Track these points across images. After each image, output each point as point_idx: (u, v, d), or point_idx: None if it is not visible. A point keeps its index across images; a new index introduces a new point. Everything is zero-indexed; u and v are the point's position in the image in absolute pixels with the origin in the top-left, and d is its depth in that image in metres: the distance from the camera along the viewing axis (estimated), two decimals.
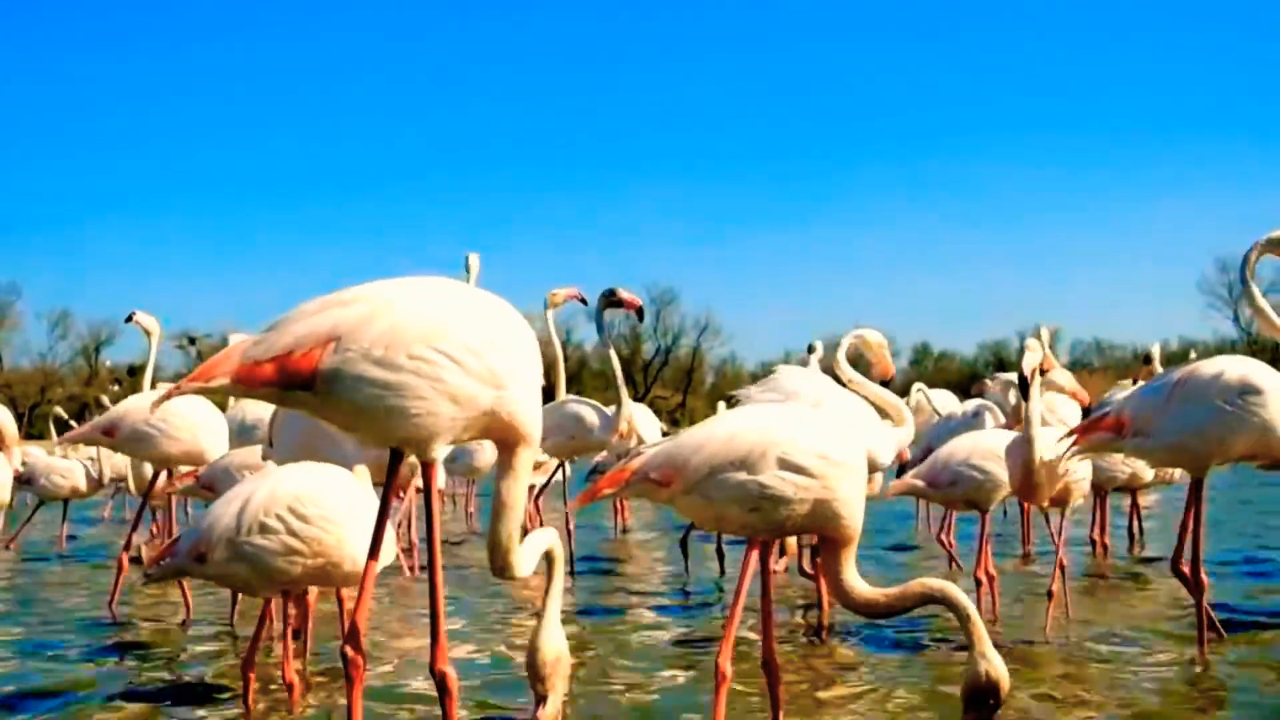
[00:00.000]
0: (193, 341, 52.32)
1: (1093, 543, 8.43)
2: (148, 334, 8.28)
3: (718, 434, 3.34)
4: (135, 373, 52.58)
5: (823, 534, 3.37)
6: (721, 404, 13.90)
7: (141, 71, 71.00)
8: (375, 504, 3.97)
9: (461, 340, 2.80)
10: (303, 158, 72.47)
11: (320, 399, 2.77)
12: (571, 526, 7.96)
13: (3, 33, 69.58)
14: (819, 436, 3.30)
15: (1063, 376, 6.13)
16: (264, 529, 3.75)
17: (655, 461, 3.35)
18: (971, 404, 8.65)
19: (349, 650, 2.93)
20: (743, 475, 3.26)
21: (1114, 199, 70.55)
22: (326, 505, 3.80)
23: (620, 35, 74.17)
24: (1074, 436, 5.12)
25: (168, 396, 2.82)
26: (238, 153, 71.40)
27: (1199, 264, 66.63)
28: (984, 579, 5.86)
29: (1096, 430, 5.00)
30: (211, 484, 5.77)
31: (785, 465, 3.25)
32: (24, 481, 9.76)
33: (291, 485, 3.84)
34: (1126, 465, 7.81)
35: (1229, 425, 4.64)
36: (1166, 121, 70.26)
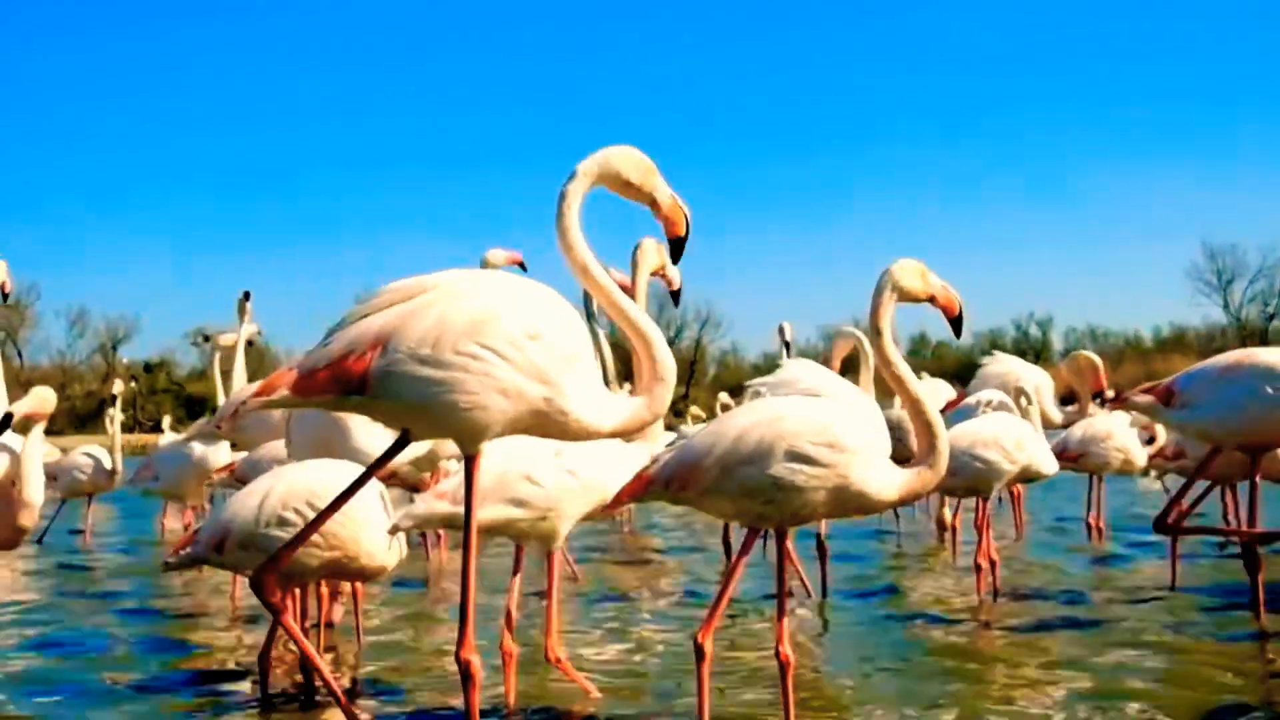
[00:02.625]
0: (207, 339, 52.61)
1: (1088, 526, 8.53)
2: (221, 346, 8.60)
3: (726, 433, 3.42)
4: (152, 369, 53.10)
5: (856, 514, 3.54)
6: (723, 394, 13.99)
7: (157, 71, 71.23)
8: (383, 500, 4.13)
9: (507, 334, 2.82)
10: (318, 153, 72.61)
11: (374, 400, 2.84)
12: None
13: (17, 35, 69.86)
14: (826, 425, 3.37)
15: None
16: (282, 522, 3.87)
17: (670, 467, 3.43)
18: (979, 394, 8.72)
19: (464, 655, 2.96)
20: (754, 470, 3.34)
21: (1104, 187, 70.33)
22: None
23: (619, 27, 74.06)
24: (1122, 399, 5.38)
25: (236, 415, 2.92)
26: (252, 149, 71.63)
27: (1188, 251, 66.52)
28: (985, 564, 5.97)
29: (1148, 393, 5.18)
30: (245, 477, 5.88)
31: (794, 457, 3.33)
32: (50, 478, 9.88)
33: (309, 479, 3.96)
34: (1119, 451, 7.92)
35: (1271, 412, 4.77)
36: (1155, 108, 69.96)
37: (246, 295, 8.44)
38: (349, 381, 2.82)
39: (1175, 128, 69.73)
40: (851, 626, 5.66)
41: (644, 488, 3.47)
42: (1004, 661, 4.75)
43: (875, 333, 3.49)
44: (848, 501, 3.41)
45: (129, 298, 79.12)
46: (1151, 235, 69.06)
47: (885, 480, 3.39)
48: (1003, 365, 8.52)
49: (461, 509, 3.11)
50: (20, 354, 52.36)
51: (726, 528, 7.98)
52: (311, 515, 3.82)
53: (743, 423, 3.44)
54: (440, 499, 3.89)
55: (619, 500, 3.58)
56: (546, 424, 2.92)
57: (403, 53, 73.80)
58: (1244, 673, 4.48)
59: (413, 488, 8.18)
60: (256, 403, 2.87)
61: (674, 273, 4.35)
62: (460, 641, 2.95)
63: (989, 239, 69.57)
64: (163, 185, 71.47)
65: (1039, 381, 8.60)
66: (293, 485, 3.94)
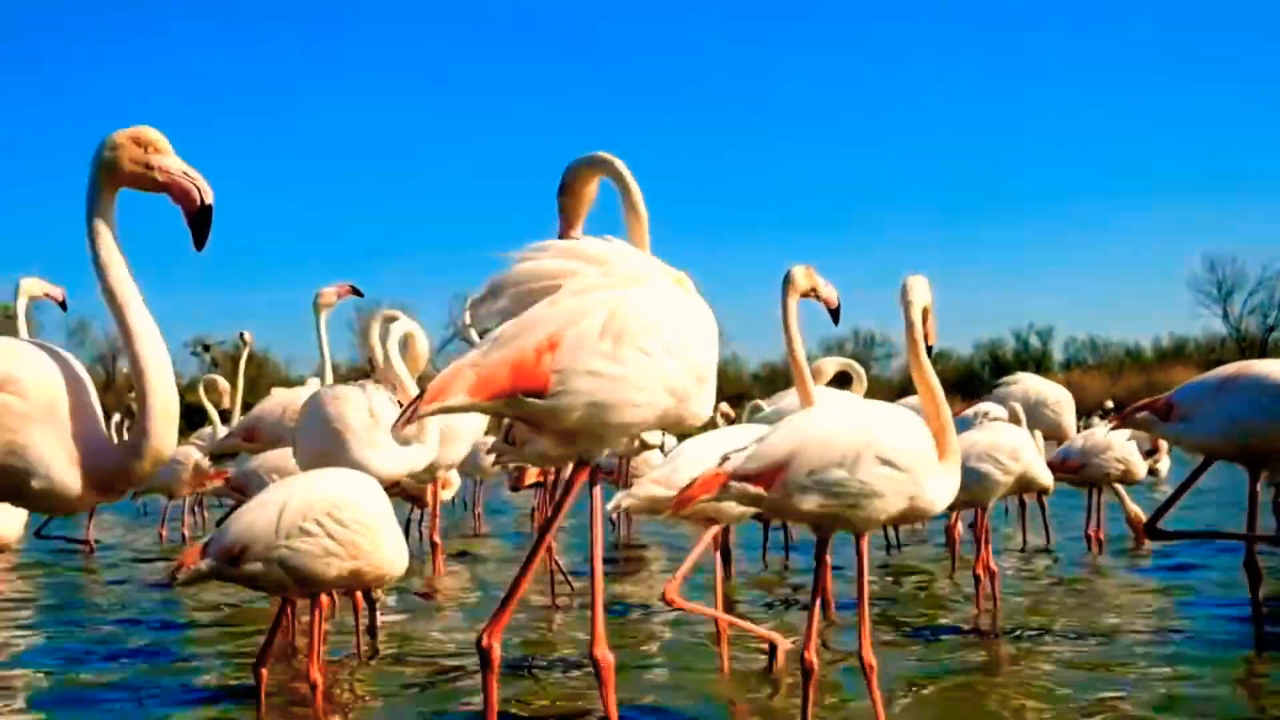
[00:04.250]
0: (207, 348, 52.59)
1: (1087, 538, 8.53)
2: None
3: (812, 434, 3.41)
4: None
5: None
6: (724, 404, 14.01)
7: (157, 78, 71.37)
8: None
9: (677, 334, 2.87)
10: (313, 161, 72.75)
11: (551, 402, 2.79)
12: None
13: (17, 38, 70.02)
14: (912, 433, 3.48)
15: None
16: (303, 533, 3.88)
17: (750, 466, 3.39)
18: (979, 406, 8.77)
19: (598, 653, 2.98)
20: (843, 473, 3.36)
21: (1104, 198, 70.48)
22: (362, 510, 3.93)
23: (620, 32, 74.23)
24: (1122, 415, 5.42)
25: (408, 420, 2.84)
26: (251, 154, 71.71)
27: (1188, 262, 66.62)
28: (984, 574, 5.97)
29: (1146, 409, 5.20)
30: (243, 486, 5.90)
31: (884, 461, 3.38)
32: None
33: (329, 490, 3.96)
34: (1120, 462, 7.93)
35: (1270, 424, 4.78)
36: (1155, 120, 70.07)
37: (242, 336, 9.36)
38: (529, 382, 2.76)
39: (1176, 138, 69.97)
40: (850, 635, 5.65)
41: (721, 487, 3.40)
42: (1002, 671, 4.76)
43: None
44: (915, 510, 3.51)
45: None
46: (1152, 246, 69.25)
47: (943, 489, 3.53)
48: (1023, 384, 8.63)
49: (674, 493, 3.52)
50: None
51: (727, 534, 7.97)
52: (333, 526, 3.86)
53: (829, 425, 3.45)
54: (656, 484, 4.24)
55: (691, 499, 3.43)
56: (672, 422, 3.00)
57: (402, 56, 73.98)
58: (1243, 686, 4.49)
59: (414, 498, 8.23)
60: (430, 409, 2.77)
61: (829, 291, 4.37)
62: (591, 640, 2.97)
63: (989, 249, 69.70)
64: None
65: (1059, 398, 8.66)
66: (312, 495, 3.91)
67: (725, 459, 3.44)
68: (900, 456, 3.40)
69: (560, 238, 3.20)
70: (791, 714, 3.66)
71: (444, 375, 2.78)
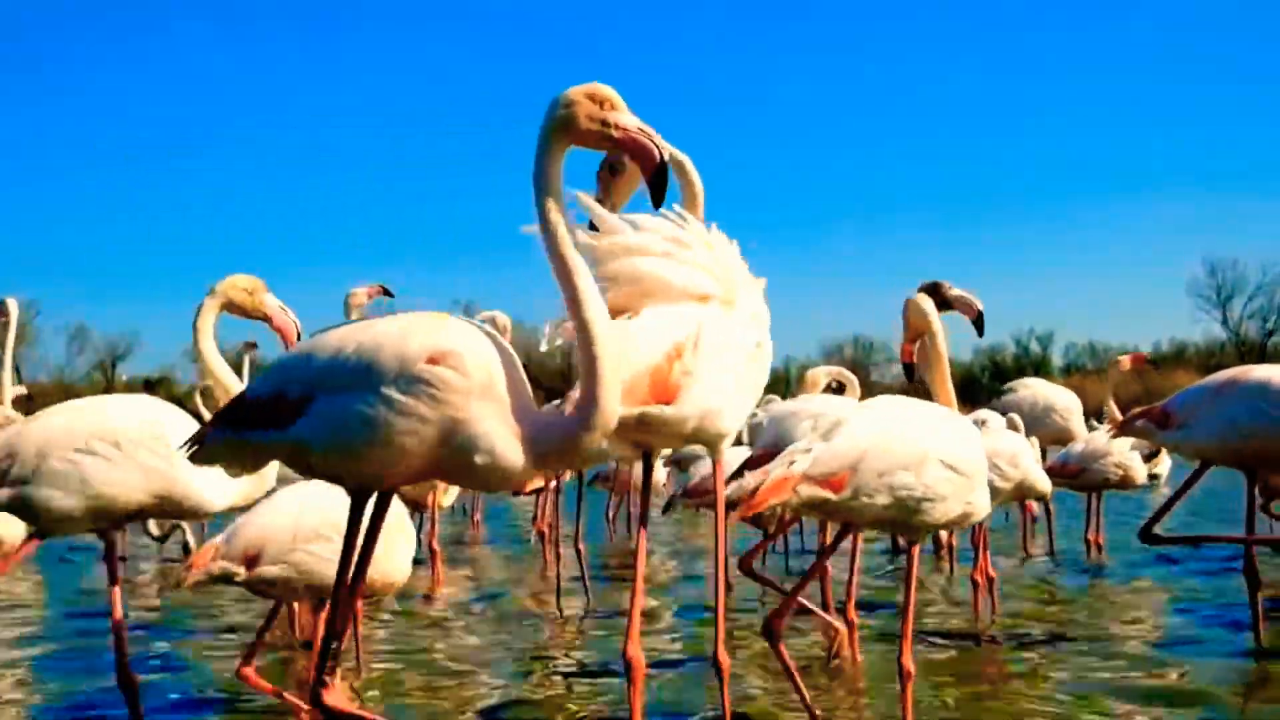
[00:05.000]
0: None
1: (1087, 543, 8.53)
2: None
3: (879, 436, 3.40)
4: (152, 386, 53.10)
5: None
6: None
7: (156, 86, 71.44)
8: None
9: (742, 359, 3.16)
10: (314, 171, 72.81)
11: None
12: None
13: (16, 45, 70.11)
14: (966, 436, 3.53)
15: None
16: (321, 537, 3.88)
17: (819, 468, 3.36)
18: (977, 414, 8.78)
19: (630, 652, 3.06)
20: (909, 477, 3.37)
21: (1104, 201, 70.53)
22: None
23: (619, 34, 74.32)
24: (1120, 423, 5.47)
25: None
26: (250, 163, 71.81)
27: (1188, 266, 66.68)
28: (982, 581, 5.98)
29: (1142, 417, 5.21)
30: None
31: (946, 465, 3.41)
32: None
33: (342, 497, 3.97)
34: (1119, 468, 7.94)
35: (1267, 429, 4.79)
36: (1155, 120, 70.19)
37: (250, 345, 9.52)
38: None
39: (1176, 138, 70.05)
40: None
41: (792, 488, 3.37)
42: (1001, 676, 4.77)
43: None
44: (968, 515, 3.54)
45: (128, 314, 79.32)
46: (1152, 250, 69.26)
47: (988, 495, 3.58)
48: (1030, 390, 8.63)
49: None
50: (19, 371, 52.40)
51: (719, 544, 7.97)
52: (339, 536, 3.86)
53: (895, 428, 3.44)
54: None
55: (760, 502, 3.41)
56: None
57: (402, 61, 74.06)
58: (1242, 690, 4.50)
59: (413, 504, 8.23)
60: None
61: (959, 295, 4.42)
62: (626, 639, 3.10)
63: (989, 254, 69.75)
64: (162, 201, 71.59)
65: (1068, 403, 8.67)
66: (329, 501, 3.86)
67: (791, 461, 3.40)
68: (961, 461, 3.43)
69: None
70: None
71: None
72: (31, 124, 69.98)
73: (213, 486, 3.58)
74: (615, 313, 2.82)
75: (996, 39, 71.47)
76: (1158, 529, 5.10)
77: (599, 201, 3.25)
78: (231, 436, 2.65)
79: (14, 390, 7.19)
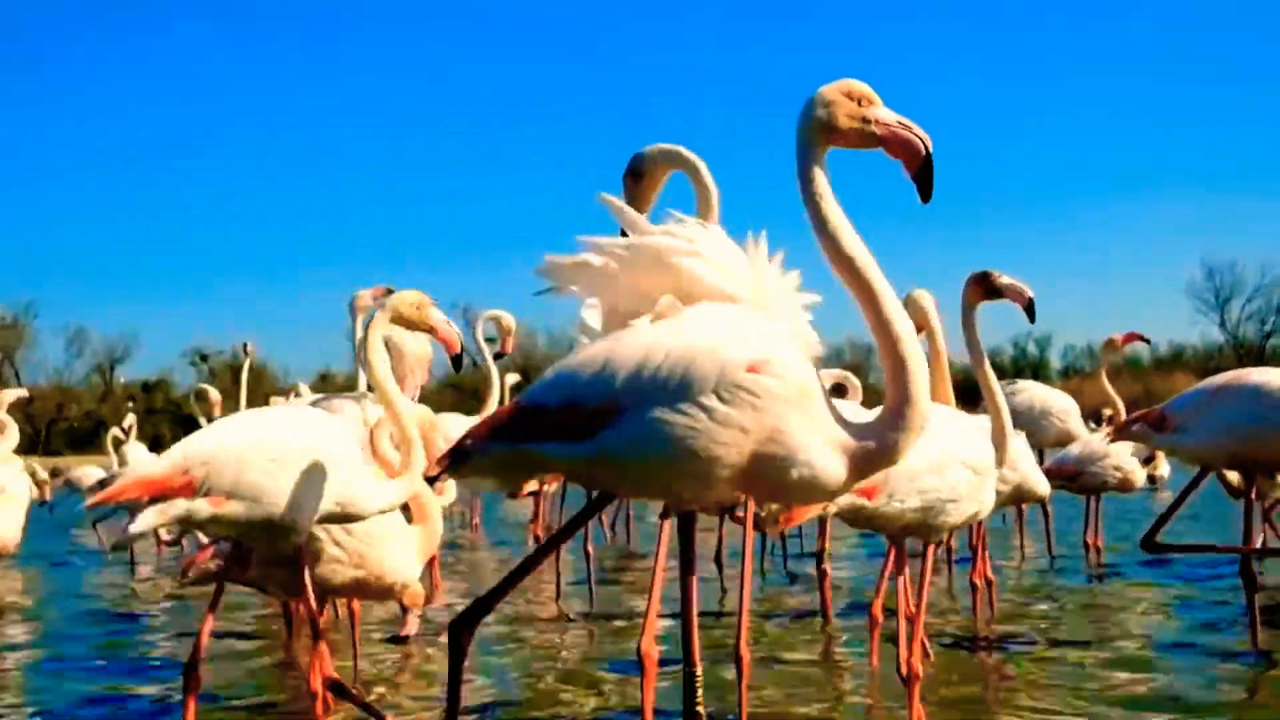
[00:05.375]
0: (204, 359, 52.73)
1: (1086, 546, 8.52)
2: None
3: None
4: (150, 389, 53.09)
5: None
6: None
7: (156, 89, 71.51)
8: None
9: None
10: (312, 172, 72.84)
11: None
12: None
13: (16, 50, 70.15)
14: (979, 437, 3.57)
15: None
16: (310, 537, 3.89)
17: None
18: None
19: (644, 646, 3.09)
20: (934, 479, 3.43)
21: (1102, 203, 70.65)
22: (373, 521, 3.94)
23: (619, 35, 74.40)
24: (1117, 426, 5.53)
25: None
26: (250, 167, 71.82)
27: (1187, 268, 66.75)
28: (980, 584, 5.97)
29: (1139, 421, 5.22)
30: None
31: (966, 466, 3.46)
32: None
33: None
34: (1117, 470, 7.93)
35: (1264, 432, 4.79)
36: (1155, 120, 70.30)
37: (245, 347, 9.66)
38: None
39: (1175, 143, 70.16)
40: (850, 646, 5.65)
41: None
42: (998, 681, 4.76)
43: None
44: (979, 515, 3.63)
45: (127, 317, 79.36)
46: (1150, 252, 69.38)
47: (993, 494, 3.64)
48: (1028, 393, 8.63)
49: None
50: (18, 374, 52.35)
51: (719, 549, 7.99)
52: (340, 534, 3.87)
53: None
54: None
55: (800, 514, 3.50)
56: None
57: (402, 61, 74.10)
58: (1240, 693, 4.49)
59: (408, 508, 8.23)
60: None
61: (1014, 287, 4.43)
62: (642, 633, 3.11)
63: (987, 256, 69.86)
64: (161, 202, 71.62)
65: (1065, 405, 8.67)
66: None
67: None
68: (977, 461, 3.48)
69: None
70: None
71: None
72: (30, 125, 70.02)
73: (378, 489, 3.57)
74: (639, 312, 2.76)
75: (996, 39, 71.65)
76: (1159, 537, 5.09)
77: (630, 204, 3.21)
78: (508, 449, 2.46)
79: (15, 393, 7.17)
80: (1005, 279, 4.33)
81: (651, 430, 2.30)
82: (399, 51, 73.83)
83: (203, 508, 3.33)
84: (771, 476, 2.34)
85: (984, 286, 4.08)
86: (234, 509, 3.35)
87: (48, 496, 12.33)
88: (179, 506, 3.30)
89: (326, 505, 3.49)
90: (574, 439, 2.37)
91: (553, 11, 73.39)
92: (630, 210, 2.92)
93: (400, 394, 3.67)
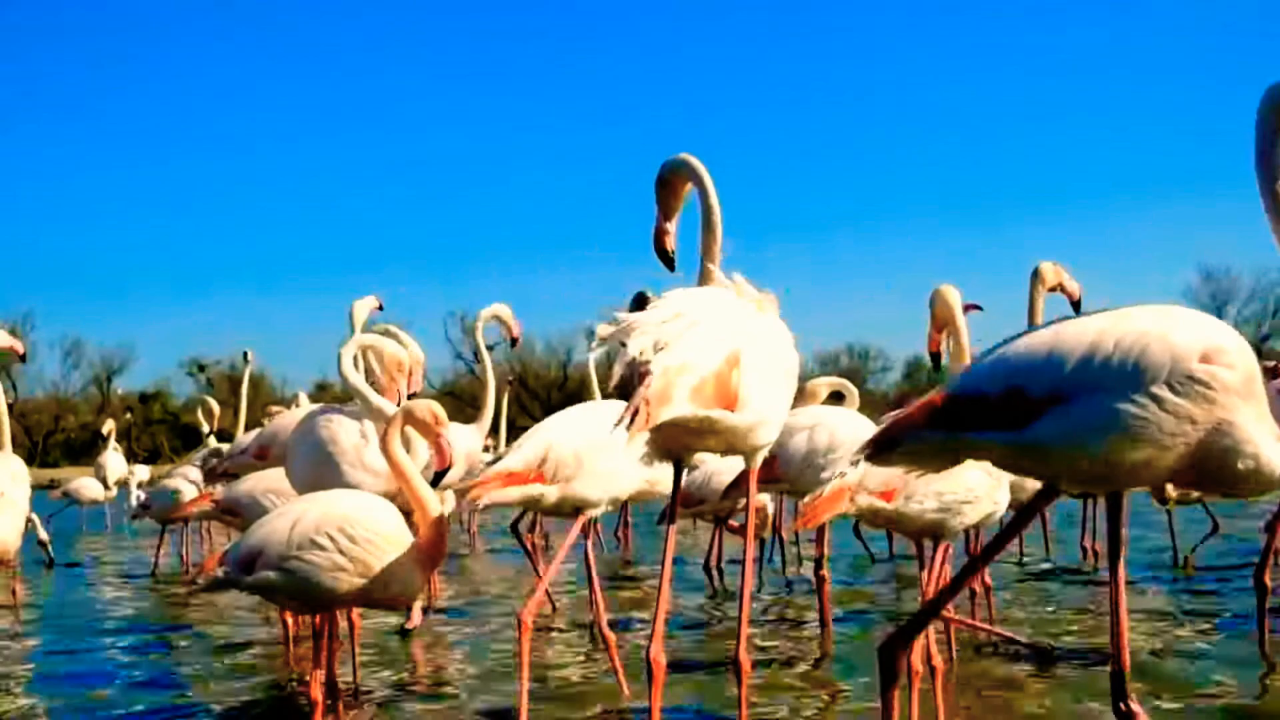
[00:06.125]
0: (202, 369, 52.70)
1: (1084, 549, 8.54)
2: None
3: None
4: (147, 400, 53.06)
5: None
6: None
7: (154, 98, 71.50)
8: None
9: None
10: (309, 181, 72.83)
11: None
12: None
13: (15, 54, 70.22)
14: None
15: None
16: (315, 545, 3.92)
17: (874, 479, 3.47)
18: None
19: (653, 653, 3.10)
20: (951, 481, 3.48)
21: (1101, 205, 70.52)
22: (376, 530, 3.96)
23: (618, 36, 74.52)
24: None
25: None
26: (248, 175, 71.82)
27: (1183, 273, 66.81)
28: (979, 589, 5.98)
29: None
30: (234, 508, 5.93)
31: (980, 466, 3.46)
32: (144, 506, 9.99)
33: (346, 507, 4.01)
34: None
35: None
36: (1151, 128, 70.28)
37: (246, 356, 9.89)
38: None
39: (1173, 147, 70.15)
40: (848, 651, 5.66)
41: (850, 498, 3.45)
42: (996, 685, 4.77)
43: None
44: (990, 515, 3.71)
45: (124, 328, 79.20)
46: (1148, 256, 69.42)
47: (1007, 494, 3.72)
48: None
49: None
50: (15, 386, 52.33)
51: (710, 554, 8.00)
52: (344, 542, 3.90)
53: None
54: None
55: (818, 515, 3.48)
56: None
57: (402, 61, 74.15)
58: (1243, 698, 4.50)
59: (407, 514, 8.23)
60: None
61: (1074, 285, 4.42)
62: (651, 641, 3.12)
63: (986, 260, 69.77)
64: (157, 213, 71.60)
65: None
66: (327, 511, 3.96)
67: (841, 474, 3.46)
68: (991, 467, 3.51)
69: (656, 228, 3.36)
70: None
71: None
72: (31, 120, 69.89)
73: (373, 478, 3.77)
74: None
75: (995, 40, 71.42)
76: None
77: (659, 213, 3.36)
78: (946, 437, 2.47)
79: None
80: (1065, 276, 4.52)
81: (1098, 419, 2.31)
82: (397, 60, 73.80)
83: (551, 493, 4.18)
84: (1214, 466, 2.32)
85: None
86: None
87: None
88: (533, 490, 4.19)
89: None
90: (1011, 427, 2.38)
91: (552, 17, 73.44)
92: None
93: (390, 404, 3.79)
